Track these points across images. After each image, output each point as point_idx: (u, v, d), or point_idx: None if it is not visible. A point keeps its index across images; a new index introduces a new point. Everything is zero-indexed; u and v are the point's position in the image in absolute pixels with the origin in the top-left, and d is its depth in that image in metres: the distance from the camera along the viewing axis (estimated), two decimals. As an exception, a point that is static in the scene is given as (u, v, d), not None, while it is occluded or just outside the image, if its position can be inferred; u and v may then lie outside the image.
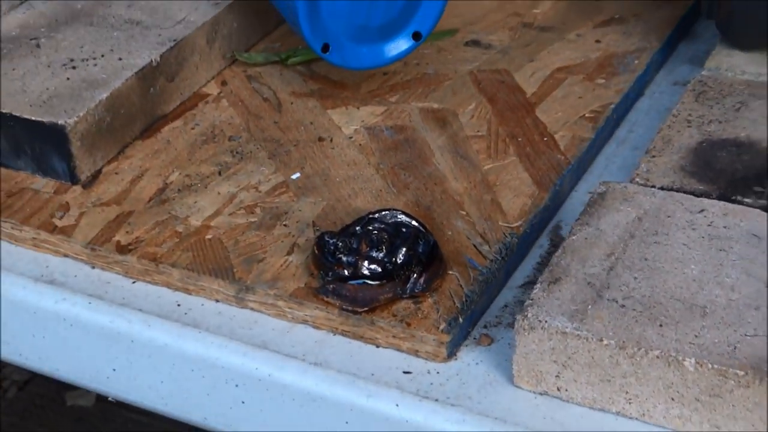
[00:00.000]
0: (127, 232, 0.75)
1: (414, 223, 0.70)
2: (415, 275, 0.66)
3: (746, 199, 0.69)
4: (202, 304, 0.71)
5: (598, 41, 0.94)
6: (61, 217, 0.76)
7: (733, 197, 0.70)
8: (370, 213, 0.71)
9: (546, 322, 0.60)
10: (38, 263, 0.75)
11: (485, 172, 0.78)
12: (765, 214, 0.68)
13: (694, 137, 0.76)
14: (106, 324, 0.71)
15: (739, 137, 0.76)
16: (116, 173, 0.81)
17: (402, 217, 0.70)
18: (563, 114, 0.85)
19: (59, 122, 0.77)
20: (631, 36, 0.95)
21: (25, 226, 0.76)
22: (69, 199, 0.78)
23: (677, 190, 0.71)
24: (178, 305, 0.71)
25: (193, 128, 0.86)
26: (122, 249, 0.73)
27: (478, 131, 0.83)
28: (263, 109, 0.88)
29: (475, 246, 0.71)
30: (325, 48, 0.81)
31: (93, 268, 0.74)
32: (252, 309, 0.70)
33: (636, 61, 0.91)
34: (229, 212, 0.76)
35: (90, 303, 0.72)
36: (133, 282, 0.73)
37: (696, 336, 0.59)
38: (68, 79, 0.81)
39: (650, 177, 0.72)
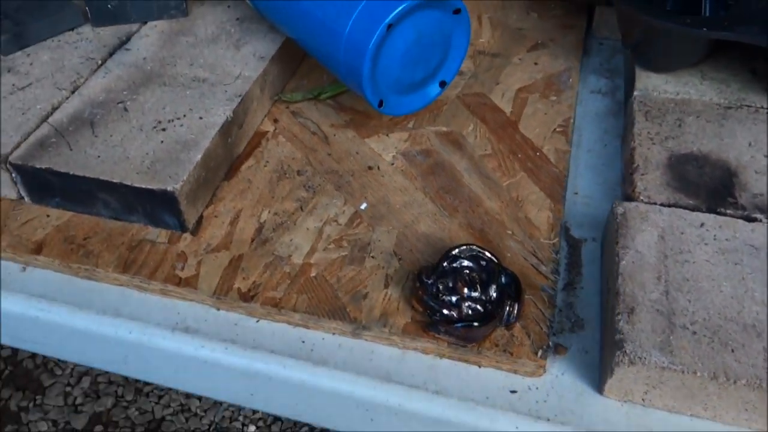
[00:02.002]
0: (243, 277, 0.47)
1: (488, 254, 0.46)
2: (508, 308, 0.43)
3: (728, 210, 0.49)
4: (323, 338, 0.45)
5: (536, 63, 0.69)
6: (182, 269, 0.47)
7: (718, 210, 0.49)
8: (450, 249, 0.46)
9: (645, 358, 0.39)
10: (169, 310, 0.47)
11: (507, 189, 0.54)
12: (748, 224, 0.48)
13: (662, 154, 0.53)
14: (244, 366, 0.44)
15: (693, 152, 0.53)
16: (215, 216, 0.52)
17: (477, 250, 0.46)
18: (540, 130, 0.60)
19: (168, 189, 0.46)
20: (557, 57, 0.70)
21: (153, 281, 0.47)
22: (183, 248, 0.49)
23: (675, 206, 0.49)
24: (303, 342, 0.45)
25: (265, 165, 0.56)
26: (245, 296, 0.46)
27: (485, 150, 0.58)
28: (315, 142, 0.59)
29: (533, 266, 0.47)
30: (380, 103, 0.54)
31: (218, 310, 0.47)
32: (366, 340, 0.46)
33: (570, 79, 0.67)
34: (323, 248, 0.49)
35: (226, 348, 0.45)
36: (257, 321, 0.47)
37: (765, 359, 0.39)
38: (162, 142, 0.50)
39: (650, 195, 0.49)
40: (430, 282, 0.43)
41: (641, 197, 0.49)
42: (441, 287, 0.43)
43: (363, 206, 0.52)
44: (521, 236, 0.49)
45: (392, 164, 0.56)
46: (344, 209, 0.52)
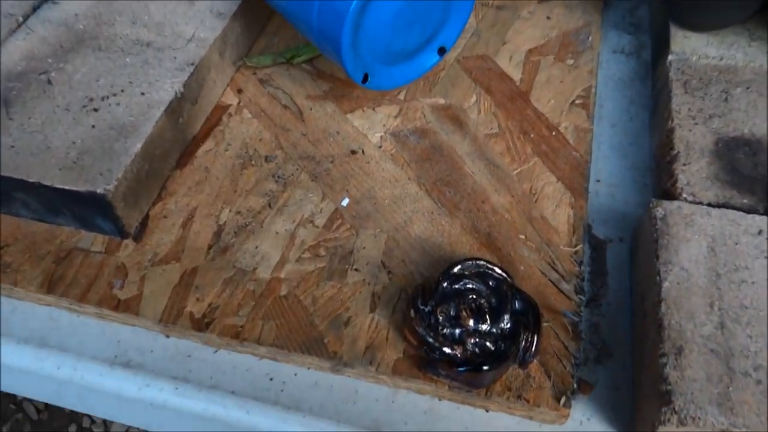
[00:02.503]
0: (197, 298, 0.38)
1: (498, 271, 0.37)
2: (524, 344, 0.35)
3: (791, 212, 0.40)
4: (295, 374, 0.36)
5: (548, 18, 0.58)
6: (121, 287, 0.38)
7: (779, 211, 0.40)
8: (451, 266, 0.37)
9: (699, 418, 0.31)
10: (107, 338, 0.38)
11: (518, 179, 0.45)
12: (816, 229, 0.39)
13: (707, 137, 0.44)
14: (199, 410, 0.36)
15: (744, 135, 0.44)
16: (164, 216, 0.42)
17: (485, 265, 0.37)
18: (555, 102, 0.50)
19: (98, 191, 0.37)
20: (573, 10, 0.59)
21: (84, 303, 0.38)
22: (124, 259, 0.40)
23: (726, 206, 0.40)
24: (271, 380, 0.36)
25: (226, 149, 0.47)
26: (198, 324, 0.37)
27: (491, 128, 0.48)
28: (287, 120, 0.49)
29: (553, 283, 0.38)
30: (365, 78, 0.44)
31: (168, 337, 0.39)
32: (348, 376, 0.38)
33: (590, 38, 0.56)
34: (295, 257, 0.40)
35: (177, 388, 0.37)
36: (215, 351, 0.39)
37: None
38: (93, 126, 0.40)
39: (695, 191, 0.40)
40: (426, 309, 0.35)
41: (684, 194, 0.40)
42: (440, 317, 0.35)
43: (344, 202, 0.43)
44: (536, 242, 0.41)
45: (380, 147, 0.47)
46: (322, 206, 0.43)
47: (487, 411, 0.35)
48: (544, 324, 0.36)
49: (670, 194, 0.41)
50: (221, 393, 0.36)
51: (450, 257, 0.40)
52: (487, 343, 0.33)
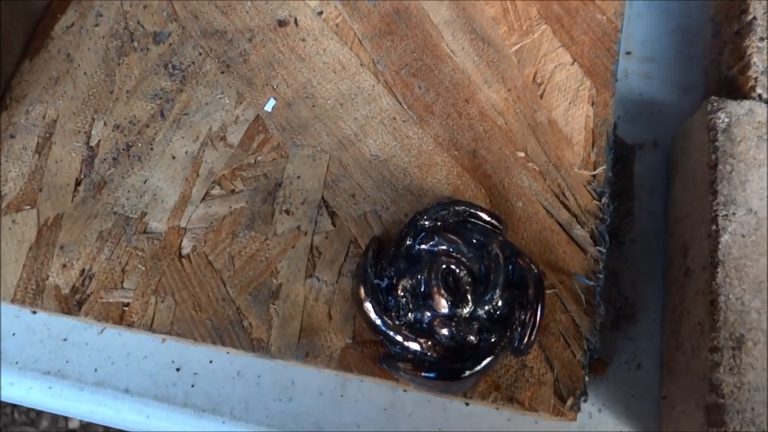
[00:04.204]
0: (64, 264, 0.27)
1: (485, 217, 0.27)
2: (519, 330, 0.26)
3: None
4: (211, 362, 0.28)
5: None
6: (-47, 251, 0.29)
7: None
8: (418, 215, 0.26)
9: None
10: (-50, 317, 0.29)
11: (518, 61, 0.32)
12: None
13: (797, -9, 0.31)
14: (83, 414, 0.29)
15: None
16: (11, 136, 0.30)
17: (466, 209, 0.27)
18: (575, -69, 0.36)
19: None
20: None
21: None
22: (-45, 207, 0.30)
23: (817, 106, 0.29)
24: (178, 369, 0.28)
25: (96, 24, 0.33)
26: (66, 303, 0.27)
27: (481, -21, 0.35)
28: (185, -29, 0.35)
29: (562, 227, 0.28)
30: None
31: (35, 313, 0.30)
32: (283, 363, 0.29)
33: None
34: (200, 195, 0.29)
35: (50, 387, 0.28)
36: (101, 331, 0.29)
37: None
38: None
39: (774, 84, 0.29)
40: (383, 284, 0.25)
41: (758, 89, 0.29)
42: (402, 294, 0.25)
43: (269, 105, 0.31)
44: (541, 162, 0.30)
45: (320, 14, 0.33)
46: (237, 113, 0.31)
47: (467, 405, 0.27)
48: (548, 292, 0.27)
49: (736, 86, 0.29)
50: (111, 392, 0.27)
51: (420, 188, 0.29)
52: (470, 337, 0.24)
